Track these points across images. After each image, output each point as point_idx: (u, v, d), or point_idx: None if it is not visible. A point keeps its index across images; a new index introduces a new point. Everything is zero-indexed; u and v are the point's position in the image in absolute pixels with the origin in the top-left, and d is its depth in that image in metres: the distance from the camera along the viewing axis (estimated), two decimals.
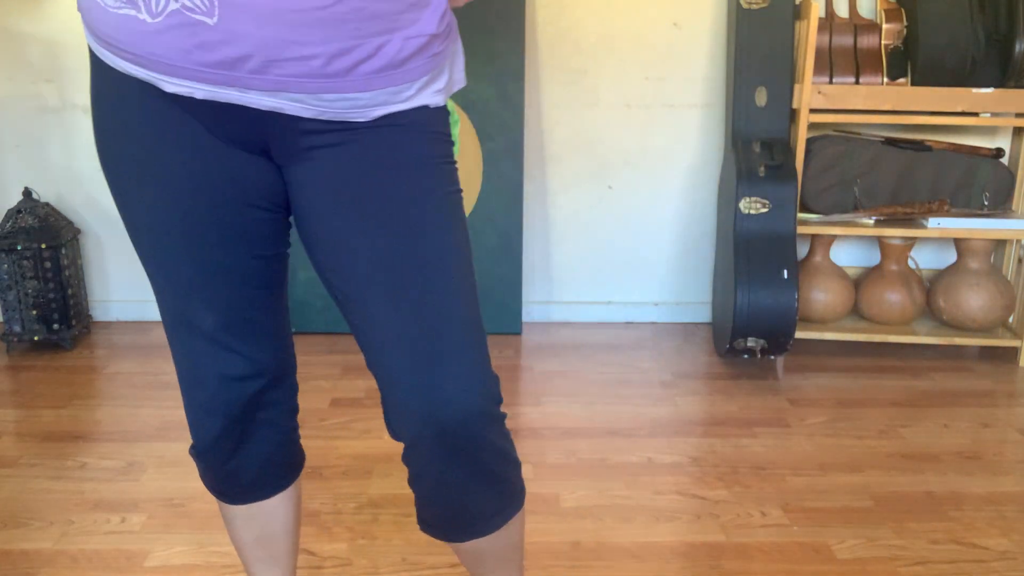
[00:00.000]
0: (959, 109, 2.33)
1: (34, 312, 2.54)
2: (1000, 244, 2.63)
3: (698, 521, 1.71)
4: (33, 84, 2.63)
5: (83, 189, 2.72)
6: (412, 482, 1.03)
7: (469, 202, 2.68)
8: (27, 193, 2.55)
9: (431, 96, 0.92)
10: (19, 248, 2.48)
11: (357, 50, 0.82)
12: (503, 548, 1.08)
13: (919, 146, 2.48)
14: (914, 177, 2.49)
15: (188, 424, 1.06)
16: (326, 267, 0.95)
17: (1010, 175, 2.50)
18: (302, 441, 2.03)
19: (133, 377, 2.40)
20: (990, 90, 2.32)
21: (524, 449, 1.98)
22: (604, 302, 2.87)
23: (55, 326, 2.55)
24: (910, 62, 2.41)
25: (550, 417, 2.15)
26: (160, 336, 2.72)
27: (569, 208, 2.79)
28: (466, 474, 0.97)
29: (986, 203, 2.50)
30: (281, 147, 0.91)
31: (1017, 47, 2.31)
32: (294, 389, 1.10)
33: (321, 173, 0.91)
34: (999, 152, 2.53)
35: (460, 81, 0.99)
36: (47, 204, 2.59)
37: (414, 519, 1.71)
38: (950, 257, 2.70)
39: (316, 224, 0.93)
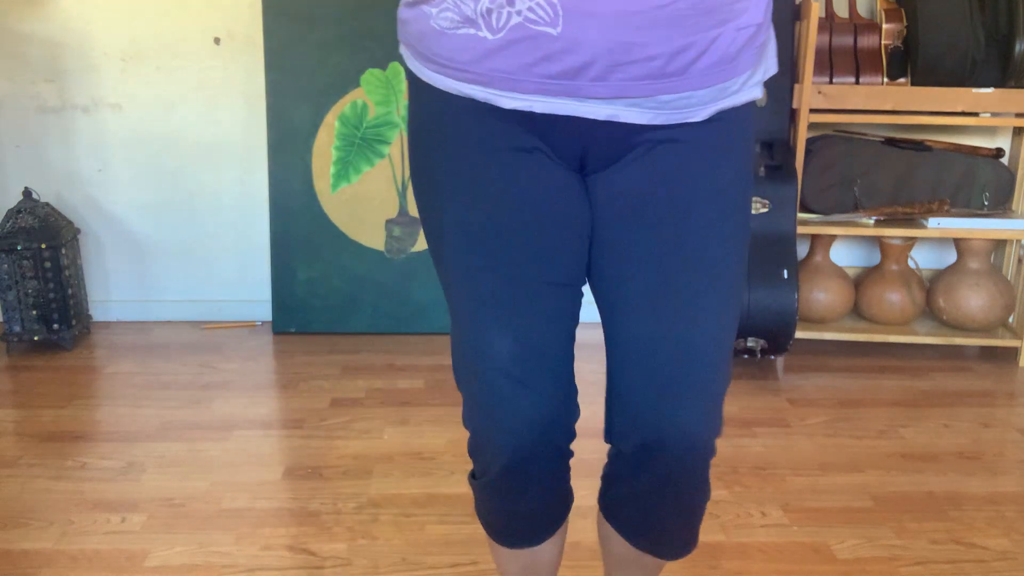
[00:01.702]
0: (959, 109, 2.33)
1: (34, 312, 2.54)
2: (1000, 244, 2.63)
3: None
4: (33, 84, 2.63)
5: (83, 189, 2.72)
6: (607, 479, 1.03)
7: None
8: (27, 193, 2.55)
9: (753, 89, 0.91)
10: (19, 248, 2.48)
11: (694, 46, 0.81)
12: (655, 565, 1.08)
13: (919, 146, 2.48)
14: (914, 177, 2.49)
15: (471, 458, 1.02)
16: (598, 268, 0.94)
17: (1010, 175, 2.50)
18: (302, 441, 2.03)
19: (133, 377, 2.40)
20: (990, 90, 2.32)
21: None
22: None
23: (55, 326, 2.56)
24: (910, 62, 2.41)
25: None
26: (160, 336, 2.72)
27: None
28: (667, 500, 0.97)
29: (986, 203, 2.50)
30: (600, 156, 0.89)
31: (1017, 47, 2.31)
32: (573, 435, 1.02)
33: (630, 178, 0.90)
34: (999, 152, 2.53)
35: (773, 68, 0.96)
36: (47, 204, 2.59)
37: (414, 519, 1.71)
38: (950, 257, 2.70)
39: (606, 227, 0.92)
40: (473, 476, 1.05)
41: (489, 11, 0.80)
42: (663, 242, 0.90)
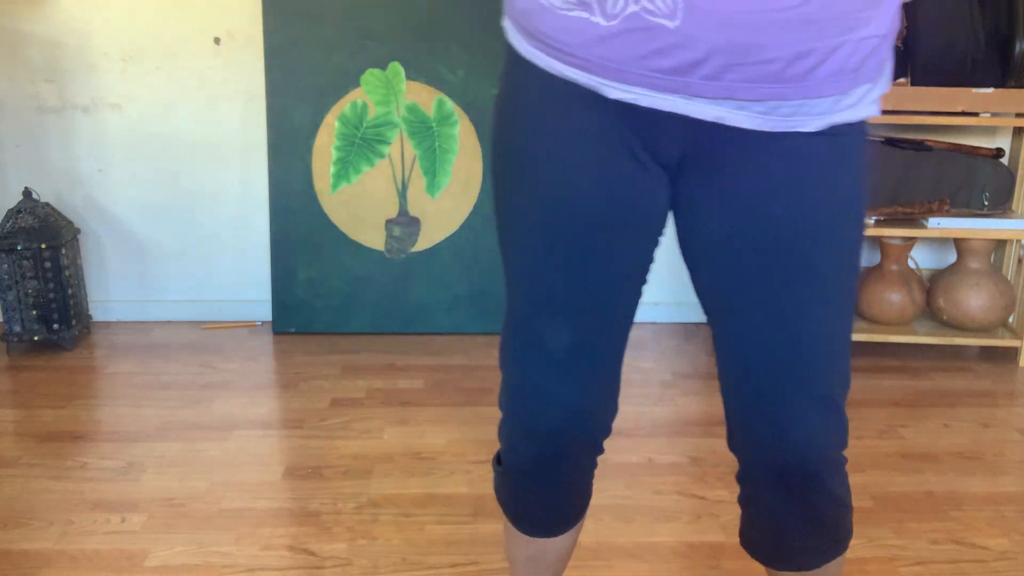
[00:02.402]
0: (959, 109, 2.33)
1: (34, 312, 2.54)
2: (1000, 244, 2.63)
3: (698, 521, 1.71)
4: (33, 84, 2.63)
5: (83, 189, 2.72)
6: (740, 501, 1.02)
7: (469, 202, 2.68)
8: (27, 193, 2.55)
9: (869, 106, 0.87)
10: (19, 248, 2.48)
11: (815, 52, 0.78)
12: None
13: (919, 146, 2.48)
14: (914, 177, 2.49)
15: (500, 441, 1.02)
16: (707, 276, 0.92)
17: (1010, 175, 2.50)
18: (302, 441, 2.03)
19: (133, 377, 2.40)
20: (990, 90, 2.32)
21: None
22: None
23: (55, 326, 2.56)
24: (910, 62, 2.41)
25: None
26: (160, 336, 2.72)
27: None
28: (796, 514, 0.96)
29: (986, 203, 2.50)
30: (700, 158, 0.86)
31: (1017, 47, 2.31)
32: (609, 431, 1.03)
33: (732, 184, 0.86)
34: (999, 152, 2.53)
35: (886, 86, 0.91)
36: (47, 204, 2.59)
37: (414, 519, 1.71)
38: (950, 257, 2.70)
39: (706, 236, 0.89)
40: (498, 460, 1.04)
41: None
42: (771, 255, 0.87)
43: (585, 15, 0.79)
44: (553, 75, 0.86)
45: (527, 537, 1.10)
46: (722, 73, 0.78)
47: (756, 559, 1.05)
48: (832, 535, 0.99)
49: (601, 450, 1.02)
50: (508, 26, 0.91)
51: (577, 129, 0.86)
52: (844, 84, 0.82)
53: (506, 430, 1.00)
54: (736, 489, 1.82)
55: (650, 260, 0.95)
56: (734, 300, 0.90)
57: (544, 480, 1.01)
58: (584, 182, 0.87)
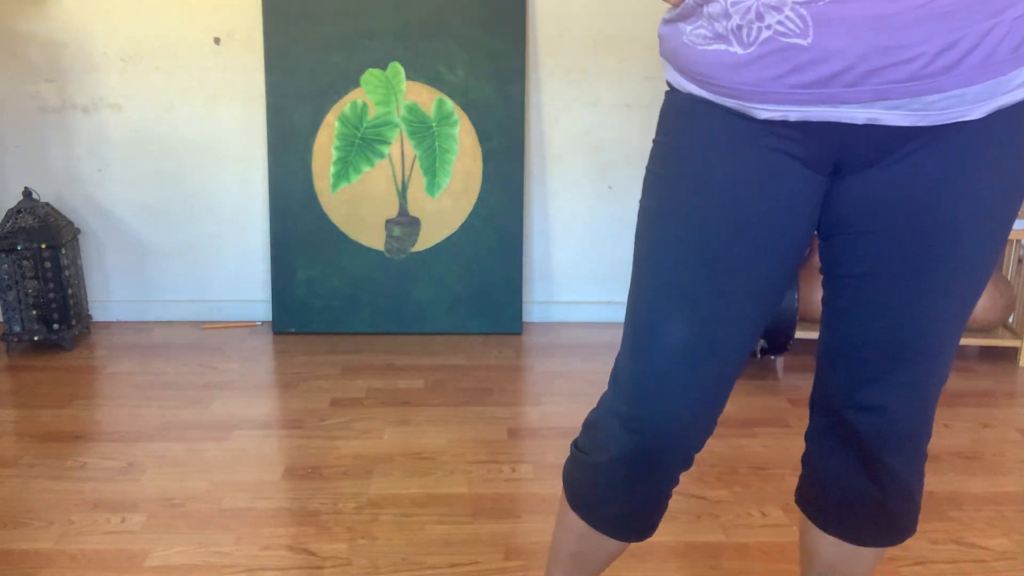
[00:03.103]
0: None
1: (34, 312, 2.54)
2: None
3: (698, 521, 1.71)
4: (33, 84, 2.63)
5: (83, 189, 2.72)
6: (804, 459, 1.05)
7: (469, 202, 2.68)
8: (27, 193, 2.55)
9: None
10: (19, 248, 2.48)
11: (963, 41, 0.76)
12: (854, 570, 1.08)
13: None
14: None
15: (594, 431, 1.01)
16: (836, 268, 0.93)
17: None
18: (302, 441, 2.03)
19: (133, 377, 2.40)
20: None
21: (524, 449, 1.98)
22: (604, 302, 2.87)
23: (55, 326, 2.56)
24: None
25: (550, 417, 2.15)
26: (160, 336, 2.72)
27: (569, 208, 2.79)
28: (858, 485, 0.99)
29: None
30: (858, 160, 0.87)
31: None
32: (702, 447, 1.01)
33: (889, 183, 0.86)
34: None
35: None
36: (47, 204, 2.59)
37: (414, 519, 1.71)
38: None
39: (855, 230, 0.90)
40: (579, 448, 1.03)
41: (740, 27, 0.80)
42: (898, 248, 0.88)
43: (723, 47, 0.82)
44: (708, 99, 0.89)
45: (582, 529, 1.07)
46: (865, 79, 0.78)
47: (807, 515, 1.09)
48: (887, 520, 1.02)
49: (690, 462, 1.00)
50: (664, 63, 0.94)
51: (727, 139, 0.88)
52: (1004, 66, 0.79)
53: (611, 418, 0.98)
54: (736, 489, 1.82)
55: (789, 276, 0.94)
56: (872, 267, 0.91)
57: (632, 480, 0.99)
58: (728, 189, 0.88)
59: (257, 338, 2.71)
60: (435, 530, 1.67)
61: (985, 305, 2.49)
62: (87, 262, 2.78)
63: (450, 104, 2.62)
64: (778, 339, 2.33)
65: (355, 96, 2.62)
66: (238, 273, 2.82)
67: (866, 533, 1.03)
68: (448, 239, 2.71)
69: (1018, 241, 2.55)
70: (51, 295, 2.53)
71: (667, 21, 0.90)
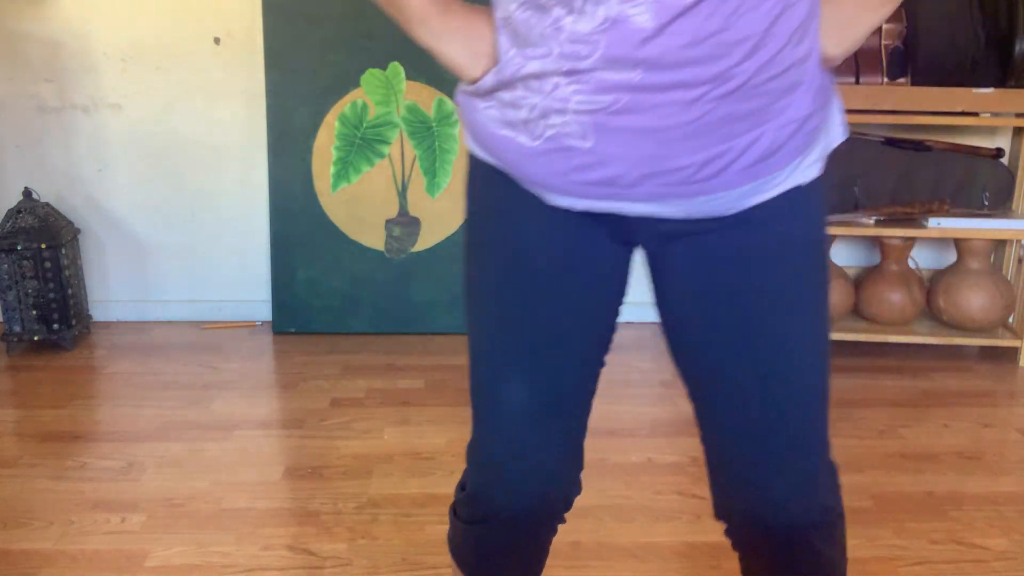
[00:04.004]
0: (959, 109, 2.33)
1: (34, 312, 2.54)
2: (1000, 244, 2.63)
3: (698, 521, 1.71)
4: (33, 84, 2.63)
5: (83, 189, 2.72)
6: (735, 548, 1.03)
7: None
8: (27, 193, 2.55)
9: (805, 171, 0.87)
10: (19, 248, 2.48)
11: (729, 151, 0.81)
12: None
13: (919, 146, 2.48)
14: (914, 177, 2.49)
15: (464, 494, 1.02)
16: (677, 348, 0.94)
17: (1010, 175, 2.50)
18: (302, 441, 2.03)
19: (133, 377, 2.40)
20: (990, 90, 2.32)
21: None
22: None
23: (55, 326, 2.56)
24: (910, 62, 2.41)
25: None
26: (160, 336, 2.72)
27: None
28: (778, 572, 0.96)
29: (986, 203, 2.50)
30: (647, 241, 0.91)
31: (1017, 47, 2.31)
32: (570, 506, 1.03)
33: (684, 263, 0.89)
34: (999, 152, 2.53)
35: (839, 136, 0.91)
36: (47, 204, 2.59)
37: (414, 519, 1.71)
38: (950, 257, 2.70)
39: (675, 310, 0.92)
40: (456, 513, 1.04)
41: (527, 121, 0.83)
42: (728, 325, 0.89)
43: (513, 135, 0.85)
44: (501, 171, 0.91)
45: None
46: (640, 182, 0.82)
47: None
48: (827, 562, 0.99)
49: (562, 521, 1.02)
50: (467, 132, 0.95)
51: (530, 205, 0.90)
52: (765, 168, 0.83)
53: (475, 483, 1.01)
54: None
55: (612, 323, 0.97)
56: (705, 370, 0.92)
57: (514, 536, 1.00)
58: (540, 248, 0.91)
59: (257, 338, 2.71)
60: (435, 530, 1.67)
61: (985, 305, 2.49)
62: (87, 262, 2.78)
63: (450, 104, 2.62)
64: None
65: (355, 96, 2.62)
66: (238, 273, 2.82)
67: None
68: (448, 239, 2.71)
69: (1018, 241, 2.55)
70: (51, 295, 2.53)
71: (462, 91, 0.90)
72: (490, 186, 0.93)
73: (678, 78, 0.76)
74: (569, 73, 0.78)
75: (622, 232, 0.91)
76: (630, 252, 0.95)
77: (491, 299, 0.95)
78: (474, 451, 1.01)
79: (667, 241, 0.90)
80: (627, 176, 0.82)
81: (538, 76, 0.80)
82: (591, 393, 0.99)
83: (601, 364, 0.99)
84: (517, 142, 0.85)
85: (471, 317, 0.97)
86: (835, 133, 0.91)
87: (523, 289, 0.92)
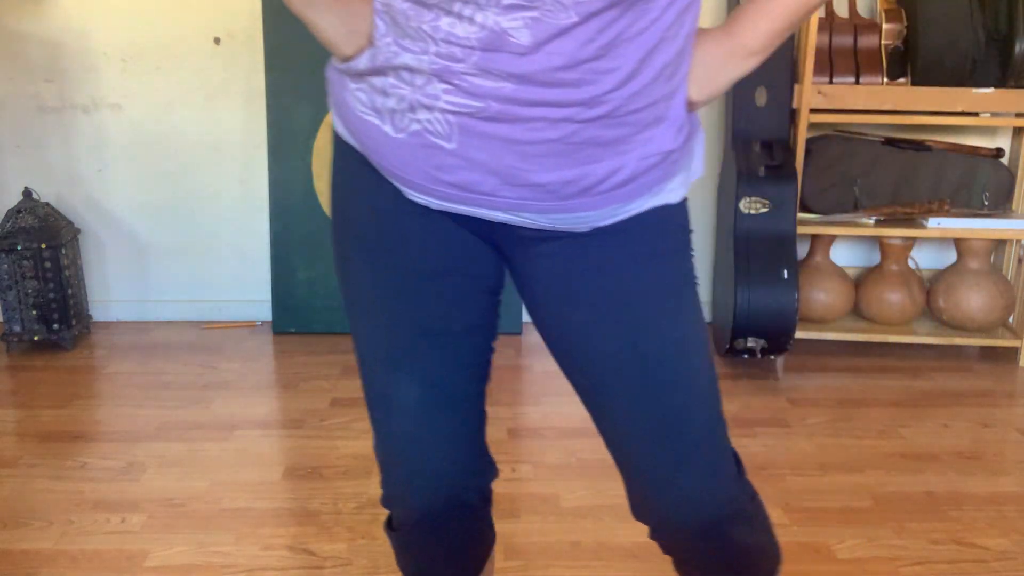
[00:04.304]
0: (959, 109, 2.33)
1: (34, 312, 2.54)
2: (1000, 244, 2.63)
3: None
4: (33, 84, 2.63)
5: (83, 189, 2.72)
6: (664, 551, 1.03)
7: None
8: (27, 193, 2.55)
9: (665, 196, 0.88)
10: (19, 248, 2.48)
11: (588, 176, 0.81)
12: None
13: (919, 146, 2.48)
14: (914, 177, 2.49)
15: (384, 505, 1.01)
16: (560, 358, 0.93)
17: (1010, 175, 2.50)
18: (302, 441, 2.03)
19: (133, 377, 2.40)
20: (990, 90, 2.32)
21: (524, 449, 1.98)
22: None
23: (55, 326, 2.56)
24: (910, 62, 2.41)
25: (550, 417, 2.15)
26: (160, 336, 2.72)
27: None
28: (706, 567, 0.97)
29: (986, 203, 2.50)
30: (508, 245, 0.90)
31: (1017, 47, 2.31)
32: (486, 492, 1.03)
33: (549, 269, 0.89)
34: (999, 152, 2.53)
35: (698, 171, 0.92)
36: (47, 204, 2.59)
37: None
38: (950, 257, 2.70)
39: (547, 318, 0.92)
40: (390, 526, 1.04)
41: (394, 111, 0.82)
42: (604, 327, 0.88)
43: (378, 123, 0.84)
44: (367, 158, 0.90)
45: None
46: (498, 191, 0.82)
47: None
48: (765, 569, 1.00)
49: (484, 500, 1.02)
50: (332, 108, 0.94)
51: (397, 199, 0.89)
52: (626, 195, 0.84)
53: (384, 485, 1.00)
54: None
55: (490, 313, 0.96)
56: (588, 377, 0.92)
57: (434, 535, 1.00)
58: (410, 241, 0.90)
59: (257, 338, 2.71)
60: None
61: (985, 305, 2.49)
62: (87, 262, 2.78)
63: None
64: (778, 339, 2.33)
65: None
66: (238, 273, 2.82)
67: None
68: None
69: (1018, 241, 2.55)
70: (51, 295, 2.53)
71: (334, 68, 0.89)
72: (356, 174, 0.91)
73: (548, 96, 0.76)
74: (441, 73, 0.77)
75: (483, 233, 0.90)
76: (497, 252, 0.93)
77: (366, 297, 0.93)
78: (377, 453, 1.00)
79: (530, 246, 0.89)
80: (485, 184, 0.81)
81: (411, 69, 0.79)
82: (481, 384, 0.98)
83: (488, 353, 0.98)
84: (381, 129, 0.83)
85: (349, 314, 0.96)
86: (696, 167, 0.91)
87: (396, 286, 0.91)
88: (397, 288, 0.91)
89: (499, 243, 0.91)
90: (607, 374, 0.90)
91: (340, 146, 0.93)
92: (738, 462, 0.96)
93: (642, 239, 0.88)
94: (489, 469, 1.01)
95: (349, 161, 0.92)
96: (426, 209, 0.88)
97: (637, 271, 0.88)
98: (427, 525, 0.98)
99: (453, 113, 0.78)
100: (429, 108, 0.79)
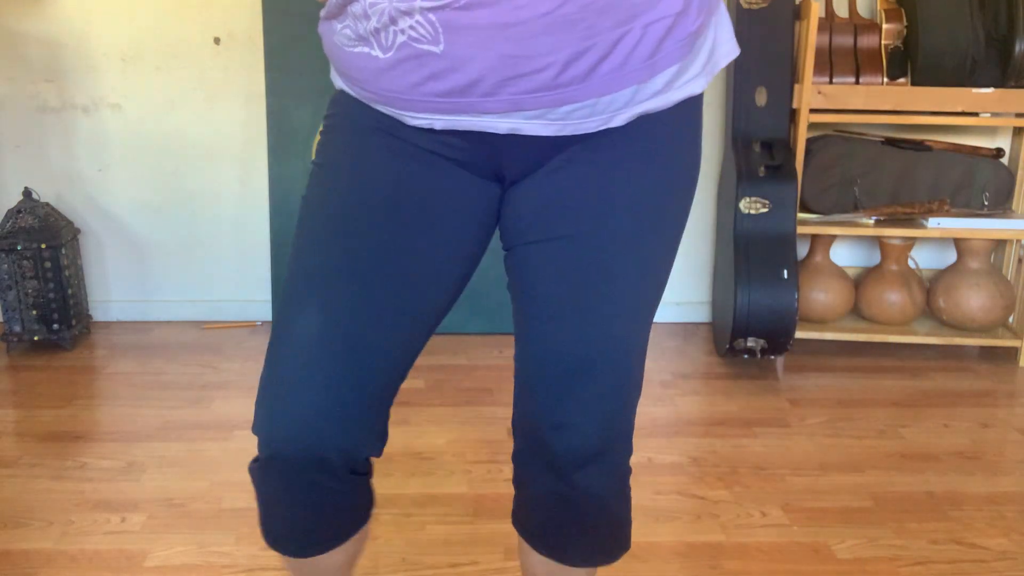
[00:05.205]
0: (959, 109, 2.33)
1: (34, 312, 2.54)
2: (1000, 244, 2.63)
3: (698, 521, 1.71)
4: (33, 84, 2.63)
5: (83, 189, 2.72)
6: (514, 481, 1.02)
7: None
8: (27, 193, 2.55)
9: (686, 85, 0.82)
10: (19, 248, 2.48)
11: (592, 50, 0.75)
12: None
13: (919, 146, 2.48)
14: (914, 177, 2.49)
15: (253, 427, 0.90)
16: (513, 280, 0.92)
17: (1010, 175, 2.50)
18: None
19: (133, 377, 2.40)
20: (990, 90, 2.32)
21: None
22: None
23: (55, 326, 2.56)
24: (910, 62, 2.41)
25: None
26: (160, 336, 2.72)
27: None
28: (560, 506, 0.95)
29: (986, 203, 2.50)
30: (515, 168, 0.86)
31: (1017, 47, 2.31)
32: (366, 451, 0.90)
33: (544, 191, 0.86)
34: (999, 152, 2.53)
35: (730, 52, 0.86)
36: (47, 204, 2.59)
37: (414, 519, 1.71)
38: (950, 257, 2.70)
39: (521, 240, 0.89)
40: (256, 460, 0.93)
41: (377, 30, 0.79)
42: (570, 258, 0.87)
43: (367, 50, 0.81)
44: (367, 104, 0.87)
45: (291, 563, 0.98)
46: (500, 88, 0.77)
47: (523, 538, 1.03)
48: (595, 540, 0.98)
49: (357, 471, 0.90)
50: (332, 67, 0.93)
51: (386, 139, 0.86)
52: (639, 74, 0.78)
53: (258, 410, 0.88)
54: (736, 489, 1.82)
55: (456, 277, 0.91)
56: (532, 305, 0.90)
57: (276, 488, 0.89)
58: (378, 181, 0.86)
59: (257, 338, 2.71)
60: (435, 530, 1.67)
61: (985, 305, 2.49)
62: (87, 262, 2.78)
63: None
64: (778, 339, 2.33)
65: None
66: (238, 273, 2.82)
67: (572, 554, 1.00)
68: None
69: (1018, 241, 2.55)
70: (51, 295, 2.53)
71: (322, 17, 0.87)
72: (347, 117, 0.89)
73: None
74: None
75: (489, 162, 0.86)
76: (495, 194, 0.89)
77: (315, 219, 0.87)
78: (262, 375, 0.89)
79: (535, 171, 0.85)
80: (484, 82, 0.76)
81: None
82: (408, 344, 0.89)
83: (435, 317, 0.90)
84: (371, 56, 0.81)
85: (296, 234, 0.90)
86: (726, 48, 0.85)
87: (354, 216, 0.85)
88: (355, 217, 0.85)
89: (504, 171, 0.86)
90: (547, 301, 0.88)
91: (336, 97, 0.91)
92: (629, 435, 0.95)
93: (646, 156, 0.83)
94: (371, 440, 0.89)
95: (345, 104, 0.89)
96: (427, 149, 0.84)
97: (629, 198, 0.84)
98: (276, 470, 0.87)
99: (432, 9, 0.74)
100: (408, 13, 0.75)
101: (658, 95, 0.81)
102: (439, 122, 0.81)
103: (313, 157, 0.92)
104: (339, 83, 0.90)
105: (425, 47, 0.76)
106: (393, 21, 0.77)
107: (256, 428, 0.87)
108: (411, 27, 0.76)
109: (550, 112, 0.78)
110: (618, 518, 0.99)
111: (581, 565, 1.02)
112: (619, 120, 0.81)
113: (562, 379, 0.89)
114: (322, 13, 0.87)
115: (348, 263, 0.84)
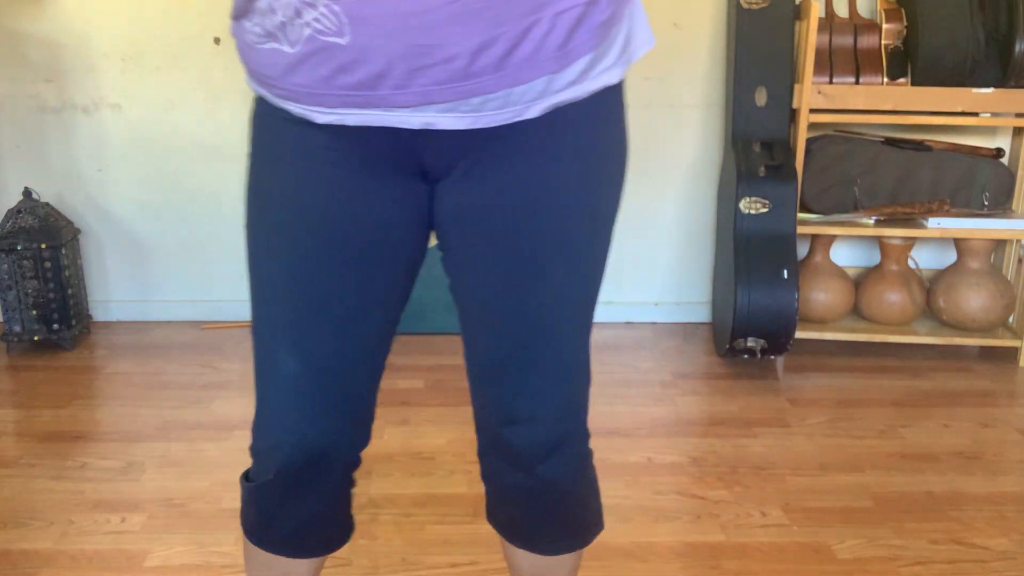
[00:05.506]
0: (959, 109, 2.33)
1: (34, 312, 2.54)
2: (1000, 244, 2.63)
3: (698, 521, 1.71)
4: (33, 84, 2.63)
5: (83, 189, 2.72)
6: (483, 476, 1.04)
7: None
8: (27, 193, 2.55)
9: (601, 76, 0.82)
10: (19, 248, 2.48)
11: (501, 40, 0.73)
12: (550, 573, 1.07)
13: (919, 146, 2.48)
14: (914, 177, 2.49)
15: (251, 455, 0.99)
16: (451, 279, 0.93)
17: (1010, 175, 2.50)
18: None
19: (133, 377, 2.40)
20: (990, 90, 2.32)
21: None
22: (604, 302, 2.87)
23: (55, 326, 2.56)
24: (910, 62, 2.41)
25: None
26: (160, 336, 2.72)
27: None
28: (526, 496, 0.97)
29: (986, 203, 2.50)
30: (436, 165, 0.86)
31: (1017, 47, 2.31)
32: (355, 463, 1.04)
33: (466, 188, 0.85)
34: (999, 152, 2.53)
35: (645, 43, 0.85)
36: (47, 204, 2.59)
37: (414, 519, 1.71)
38: (950, 257, 2.70)
39: (451, 239, 0.89)
40: (247, 478, 1.01)
41: (283, 24, 0.78)
42: (499, 257, 0.87)
43: (276, 45, 0.80)
44: (277, 105, 0.86)
45: (268, 560, 1.04)
46: (409, 80, 0.75)
47: (498, 532, 1.07)
48: (566, 527, 1.01)
49: (346, 481, 1.01)
50: (246, 70, 0.92)
51: (305, 154, 0.85)
52: (551, 64, 0.77)
53: (254, 449, 0.98)
54: (736, 489, 1.82)
55: (401, 285, 0.93)
56: (470, 304, 0.92)
57: (285, 499, 0.98)
58: (312, 205, 0.86)
59: None
60: (435, 530, 1.67)
61: (985, 305, 2.49)
62: (87, 262, 2.78)
63: None
64: (778, 339, 2.33)
65: None
66: (238, 273, 2.82)
67: (545, 543, 1.02)
68: None
69: (1018, 241, 2.55)
70: (51, 295, 2.53)
71: (233, 17, 0.86)
72: (264, 129, 0.88)
73: None
74: None
75: (410, 158, 0.85)
76: (423, 191, 0.89)
77: (262, 256, 0.89)
78: (256, 414, 0.97)
79: (453, 169, 0.85)
80: (393, 72, 0.75)
81: None
82: (378, 361, 0.95)
83: (391, 327, 0.95)
84: (280, 51, 0.79)
85: (249, 272, 0.92)
86: (642, 38, 0.85)
87: (294, 247, 0.87)
88: (295, 248, 0.87)
89: (427, 168, 0.86)
90: (488, 301, 0.90)
91: (255, 105, 0.90)
92: (583, 419, 0.97)
93: (563, 146, 0.83)
94: (362, 438, 1.00)
95: (262, 115, 0.89)
96: (343, 155, 0.83)
97: (547, 191, 0.84)
98: (283, 480, 0.96)
99: (336, 0, 0.73)
100: (312, 5, 0.74)
101: (572, 86, 0.80)
102: (351, 117, 0.80)
103: (247, 170, 0.92)
104: (255, 86, 0.89)
105: (331, 39, 0.75)
106: (298, 14, 0.76)
107: (260, 450, 0.96)
108: (316, 19, 0.75)
109: (462, 104, 0.77)
110: (584, 502, 1.01)
111: (555, 553, 1.04)
112: (533, 112, 0.80)
113: (509, 377, 0.92)
114: (232, 13, 0.85)
115: (307, 308, 0.89)
